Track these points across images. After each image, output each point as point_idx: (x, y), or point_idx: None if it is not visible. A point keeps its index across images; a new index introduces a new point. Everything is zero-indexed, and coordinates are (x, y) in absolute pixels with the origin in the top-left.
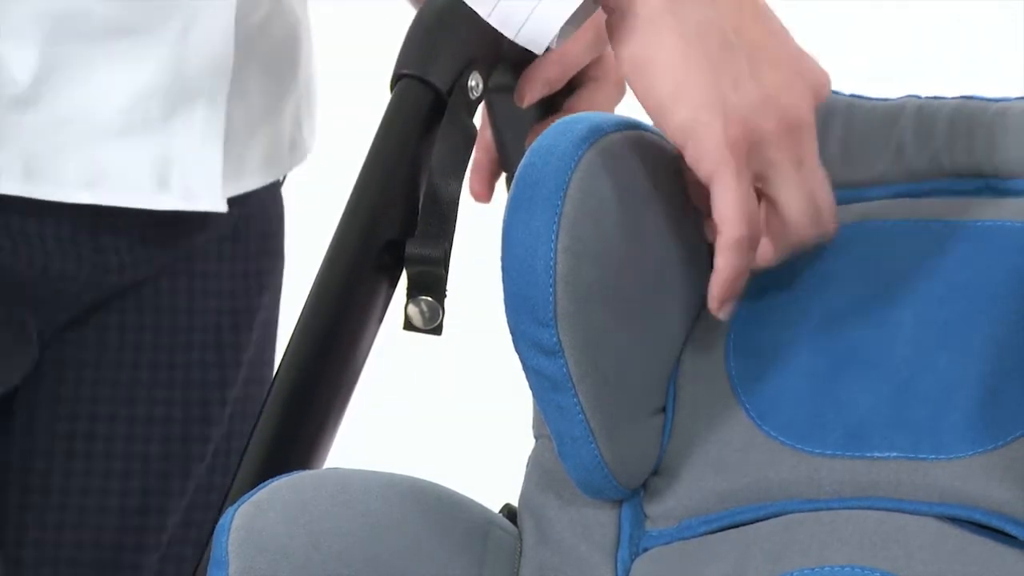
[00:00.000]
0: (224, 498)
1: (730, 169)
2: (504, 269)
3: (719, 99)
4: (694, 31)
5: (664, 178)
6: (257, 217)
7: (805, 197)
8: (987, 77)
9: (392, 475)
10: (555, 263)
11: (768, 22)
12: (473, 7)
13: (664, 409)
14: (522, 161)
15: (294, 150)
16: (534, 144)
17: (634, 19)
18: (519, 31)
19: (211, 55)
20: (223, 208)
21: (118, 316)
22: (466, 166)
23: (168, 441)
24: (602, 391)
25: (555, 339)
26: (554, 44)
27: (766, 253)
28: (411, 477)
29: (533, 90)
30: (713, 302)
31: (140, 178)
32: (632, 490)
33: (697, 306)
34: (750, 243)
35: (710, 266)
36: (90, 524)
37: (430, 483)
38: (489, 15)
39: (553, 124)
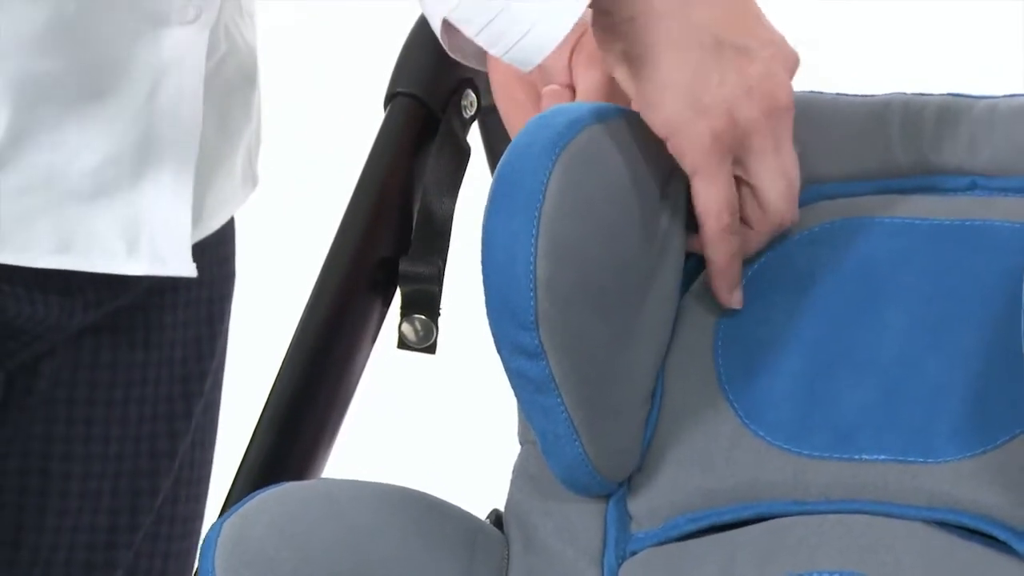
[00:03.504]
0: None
1: (712, 162)
2: (484, 273)
3: (704, 96)
4: (686, 35)
5: (645, 165)
6: (213, 243)
7: (784, 182)
8: (986, 76)
9: (379, 484)
10: (535, 266)
11: (751, 11)
12: (459, 27)
13: (650, 403)
14: (500, 161)
15: (246, 183)
16: (512, 143)
17: (630, 23)
18: (509, 51)
19: (180, 116)
20: (192, 273)
21: (90, 354)
22: (460, 184)
23: (119, 478)
24: (585, 390)
25: (537, 342)
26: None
27: (748, 242)
28: (398, 486)
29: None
30: (720, 295)
31: (110, 243)
32: (616, 484)
33: (677, 300)
34: (733, 229)
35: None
36: (40, 562)
37: (417, 492)
38: (477, 34)
39: (530, 121)
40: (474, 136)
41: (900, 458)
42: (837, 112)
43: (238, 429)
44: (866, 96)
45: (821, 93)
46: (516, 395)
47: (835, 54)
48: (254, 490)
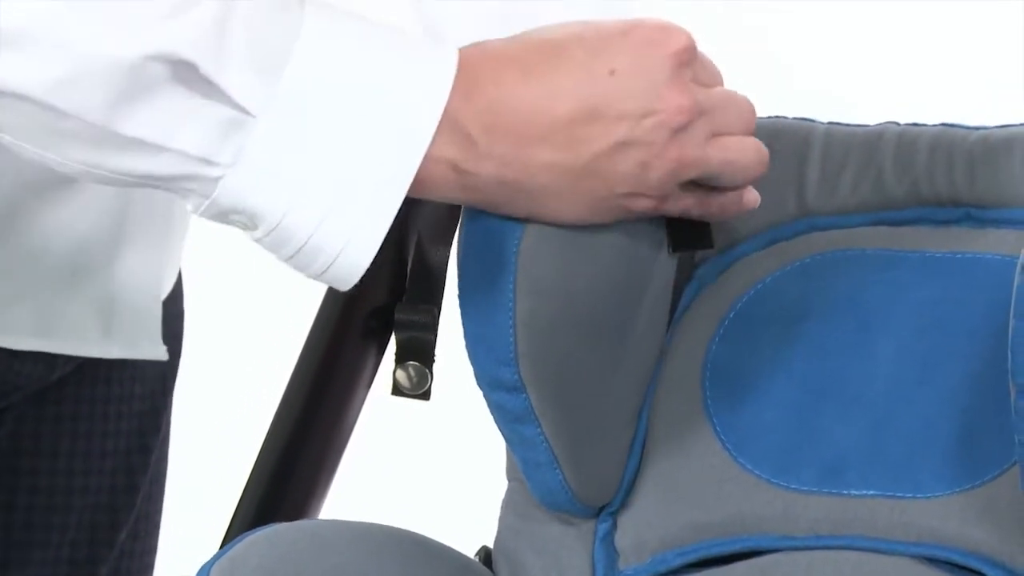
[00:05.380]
0: None
1: (664, 211)
2: (462, 308)
3: (612, 212)
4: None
5: None
6: (166, 302)
7: (727, 170)
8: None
9: (368, 524)
10: (514, 303)
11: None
12: (270, 251)
13: (633, 427)
14: None
15: (185, 232)
16: None
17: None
18: (322, 275)
19: (154, 196)
20: (163, 357)
21: (56, 390)
22: (455, 229)
23: (83, 511)
24: (566, 419)
25: (516, 377)
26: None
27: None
28: (386, 525)
29: None
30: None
31: (86, 327)
32: (595, 508)
33: (666, 325)
34: (707, 200)
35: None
36: None
37: (406, 531)
38: (288, 259)
39: None
40: None
41: (888, 493)
42: (830, 143)
43: (232, 472)
44: (859, 126)
45: (813, 122)
46: (496, 423)
47: (831, 79)
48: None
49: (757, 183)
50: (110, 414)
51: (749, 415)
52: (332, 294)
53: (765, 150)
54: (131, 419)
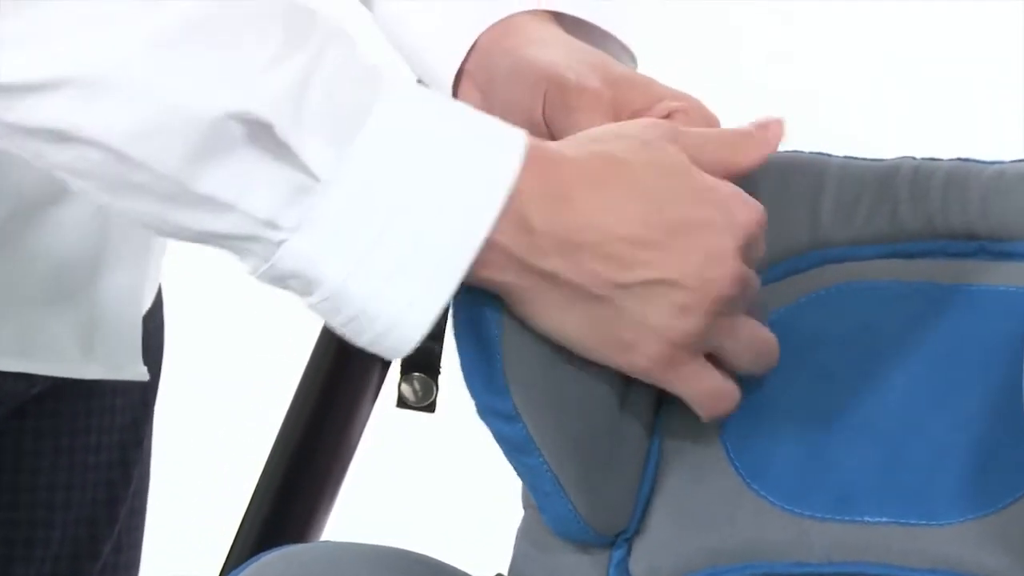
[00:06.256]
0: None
1: (667, 375)
2: (456, 338)
3: (620, 347)
4: (584, 309)
5: None
6: (145, 317)
7: (747, 350)
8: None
9: (381, 547)
10: (503, 330)
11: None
12: (325, 318)
13: (644, 456)
14: None
15: (163, 251)
16: None
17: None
18: (373, 344)
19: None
20: (144, 377)
21: (35, 405)
22: None
23: (65, 527)
24: (570, 448)
25: (511, 405)
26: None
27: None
28: (401, 548)
29: None
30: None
31: (67, 347)
32: (611, 535)
33: None
34: (725, 400)
35: None
36: None
37: (419, 554)
38: (342, 327)
39: None
40: None
41: (902, 520)
42: (845, 176)
43: (237, 483)
44: (875, 160)
45: (829, 156)
46: (504, 454)
47: (839, 106)
48: (254, 551)
49: (771, 217)
50: (92, 427)
51: (763, 442)
52: None
53: (777, 351)
54: (112, 432)
